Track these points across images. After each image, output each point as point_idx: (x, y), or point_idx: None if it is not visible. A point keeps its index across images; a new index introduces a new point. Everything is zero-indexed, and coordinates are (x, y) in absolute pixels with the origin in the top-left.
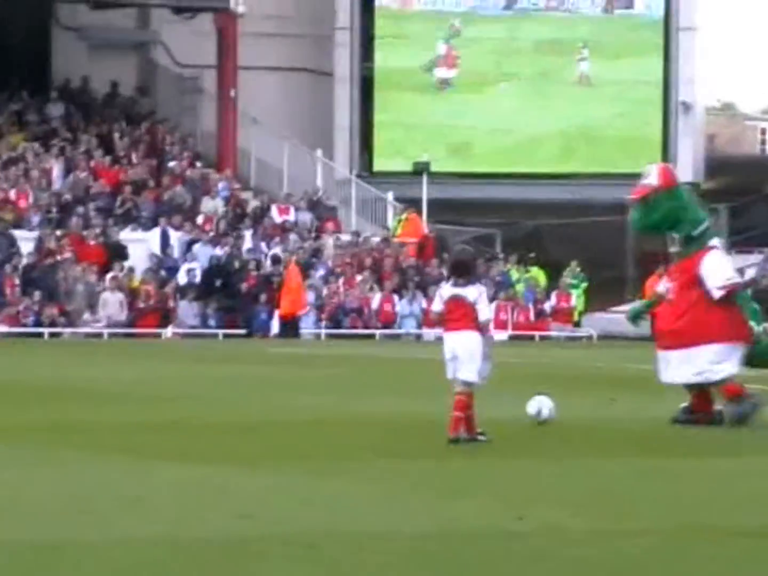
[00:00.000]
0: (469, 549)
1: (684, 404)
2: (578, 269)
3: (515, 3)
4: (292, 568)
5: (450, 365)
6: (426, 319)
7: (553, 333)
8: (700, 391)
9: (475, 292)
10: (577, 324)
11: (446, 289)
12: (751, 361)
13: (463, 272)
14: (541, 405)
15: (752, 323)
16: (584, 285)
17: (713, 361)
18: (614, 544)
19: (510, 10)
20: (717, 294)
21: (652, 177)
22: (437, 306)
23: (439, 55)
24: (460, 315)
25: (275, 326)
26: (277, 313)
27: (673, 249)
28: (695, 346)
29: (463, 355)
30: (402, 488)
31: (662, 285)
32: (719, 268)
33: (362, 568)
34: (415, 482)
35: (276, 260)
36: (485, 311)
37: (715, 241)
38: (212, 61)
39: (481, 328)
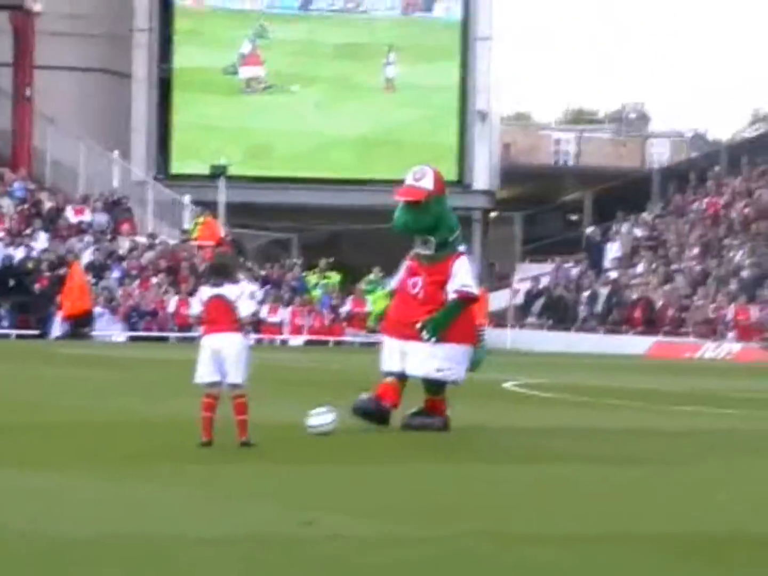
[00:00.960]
0: (256, 554)
1: (413, 410)
2: (381, 275)
3: (310, 3)
4: (83, 570)
5: (206, 367)
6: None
7: (347, 338)
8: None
9: (236, 290)
10: (374, 330)
11: (205, 291)
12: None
13: (221, 273)
14: (321, 418)
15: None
16: (384, 291)
17: (452, 360)
18: (399, 551)
19: (306, 11)
20: (451, 297)
21: (427, 181)
22: (196, 309)
23: (243, 54)
24: (220, 316)
25: (56, 328)
26: (59, 314)
27: (424, 252)
28: (438, 342)
29: (228, 357)
30: (188, 492)
31: (393, 281)
32: (462, 273)
33: (153, 569)
34: (200, 486)
35: (61, 262)
36: (246, 307)
37: (462, 248)
38: (8, 59)
39: (242, 325)
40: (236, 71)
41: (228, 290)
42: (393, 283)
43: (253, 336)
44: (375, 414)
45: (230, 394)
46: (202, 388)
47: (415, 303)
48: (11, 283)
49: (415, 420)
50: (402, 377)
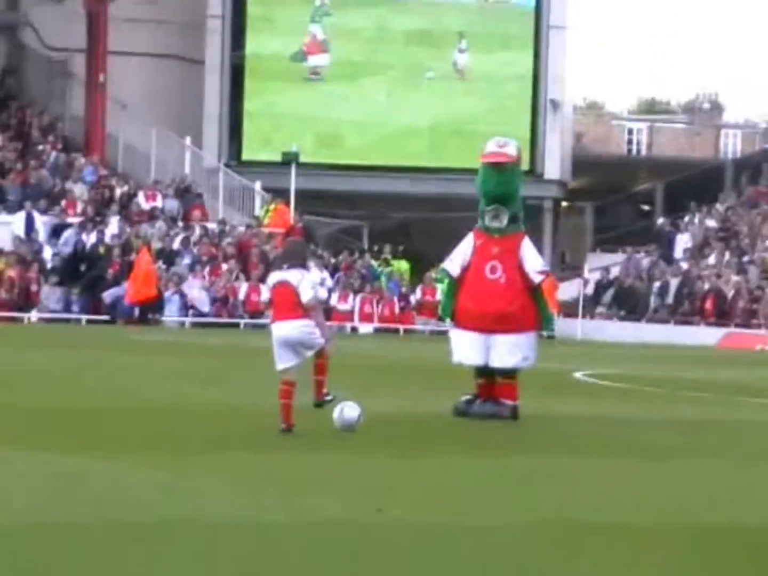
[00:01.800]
0: (324, 540)
1: (467, 396)
2: None
3: None
4: (147, 555)
5: (277, 355)
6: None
7: (417, 326)
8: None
9: (298, 275)
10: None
11: (272, 277)
12: None
13: (289, 259)
14: (344, 410)
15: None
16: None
17: (533, 348)
18: (469, 539)
19: None
20: (537, 278)
21: (510, 148)
22: (265, 295)
23: (308, 40)
24: (283, 302)
25: (119, 311)
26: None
27: (493, 224)
28: (524, 332)
29: (295, 343)
30: (256, 480)
31: (454, 265)
32: (535, 253)
33: (219, 556)
34: (269, 474)
35: (132, 247)
36: (307, 291)
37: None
38: (82, 45)
39: (306, 310)
40: (304, 58)
41: (292, 276)
42: (456, 268)
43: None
44: (498, 414)
45: (314, 357)
46: (280, 375)
47: (497, 291)
48: (82, 268)
49: (484, 408)
50: (483, 369)
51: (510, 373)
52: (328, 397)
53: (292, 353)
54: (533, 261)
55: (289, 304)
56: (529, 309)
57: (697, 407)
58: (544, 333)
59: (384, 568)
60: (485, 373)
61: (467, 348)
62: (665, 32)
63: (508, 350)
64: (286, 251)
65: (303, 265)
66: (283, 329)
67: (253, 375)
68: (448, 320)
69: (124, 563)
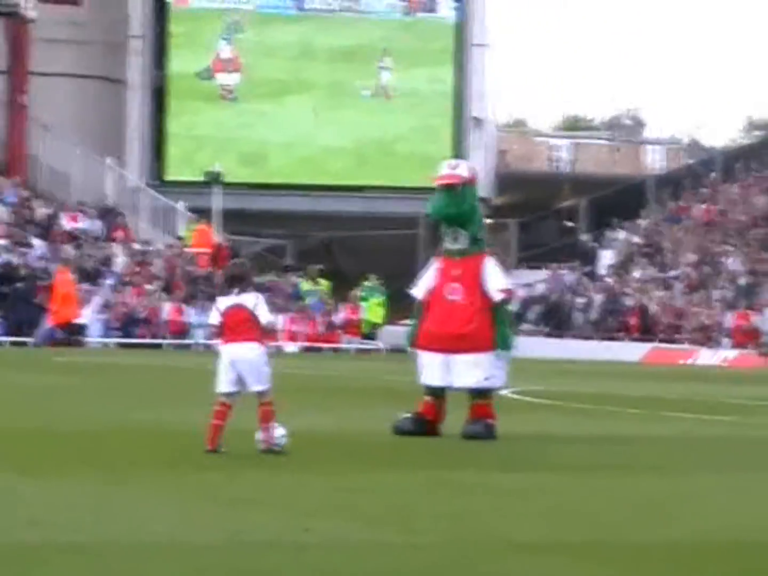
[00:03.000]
0: (256, 560)
1: (407, 414)
2: (377, 281)
3: (304, 3)
4: None
5: (225, 377)
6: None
7: (343, 345)
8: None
9: (252, 299)
10: (370, 336)
11: (222, 301)
12: None
13: (237, 282)
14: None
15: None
16: (380, 298)
17: (497, 367)
18: (400, 557)
19: (301, 12)
20: (497, 296)
21: (463, 169)
22: (214, 319)
23: (219, 57)
24: (238, 325)
25: (41, 334)
26: (48, 322)
27: (453, 246)
28: (484, 351)
29: (247, 366)
30: (190, 499)
31: (419, 289)
32: (498, 273)
33: None
34: (203, 493)
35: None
36: (265, 314)
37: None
38: (3, 66)
39: (265, 332)
40: (211, 76)
41: (245, 299)
42: (420, 291)
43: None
44: (418, 431)
45: (258, 401)
46: (219, 397)
47: (456, 311)
48: (5, 290)
49: (465, 429)
50: (442, 392)
51: (481, 393)
52: (278, 448)
53: (238, 378)
54: (495, 281)
55: (244, 326)
56: (487, 329)
57: (621, 422)
58: (501, 352)
59: None
60: (435, 392)
61: (430, 369)
62: (588, 49)
63: (468, 370)
64: (233, 276)
65: (253, 289)
66: (238, 350)
67: (180, 394)
68: (408, 348)
69: None
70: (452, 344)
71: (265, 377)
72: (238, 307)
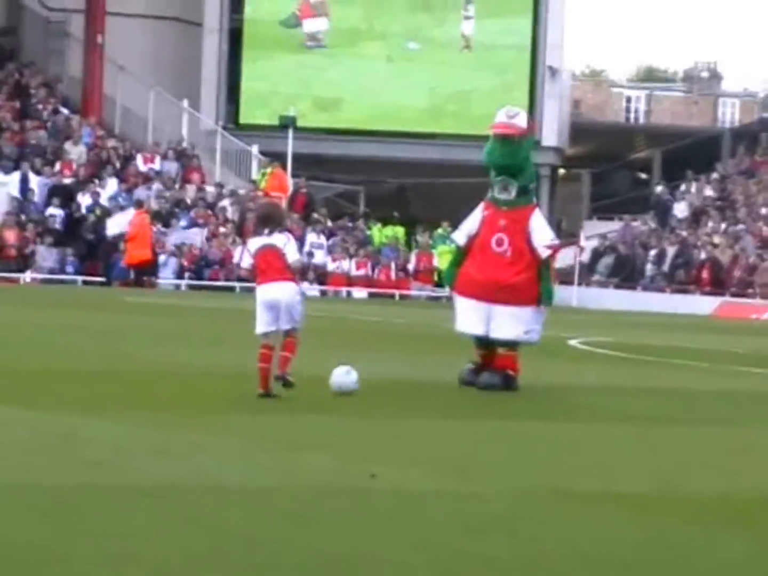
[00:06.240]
0: (321, 504)
1: (470, 365)
2: (449, 229)
3: None
4: (144, 519)
5: (262, 317)
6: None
7: (413, 292)
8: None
9: (283, 239)
10: (442, 285)
11: (254, 242)
12: None
13: (269, 222)
14: (346, 378)
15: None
16: (452, 246)
17: (537, 322)
18: (462, 506)
19: None
20: (544, 253)
21: (521, 119)
22: (246, 261)
23: (301, 5)
24: (270, 265)
25: (117, 274)
26: (122, 262)
27: (501, 196)
28: (527, 305)
29: (282, 305)
30: (249, 442)
31: (461, 234)
32: (545, 226)
33: (214, 520)
34: (262, 437)
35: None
36: (293, 254)
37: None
38: (80, 6)
39: (293, 271)
40: (297, 23)
41: (276, 239)
42: (462, 237)
43: (306, 284)
44: (496, 385)
45: (285, 335)
46: (260, 338)
47: (503, 263)
48: (78, 229)
49: (481, 379)
50: (484, 339)
51: (511, 345)
52: (290, 378)
53: (275, 318)
54: (542, 234)
55: (277, 267)
56: (533, 283)
57: (691, 375)
58: (542, 306)
59: (376, 533)
60: (485, 344)
61: (468, 316)
62: (666, 0)
63: (508, 322)
64: (265, 216)
65: (284, 229)
66: (272, 291)
67: (247, 338)
68: (448, 288)
69: (121, 526)
70: (496, 294)
71: (297, 316)
72: (270, 248)
